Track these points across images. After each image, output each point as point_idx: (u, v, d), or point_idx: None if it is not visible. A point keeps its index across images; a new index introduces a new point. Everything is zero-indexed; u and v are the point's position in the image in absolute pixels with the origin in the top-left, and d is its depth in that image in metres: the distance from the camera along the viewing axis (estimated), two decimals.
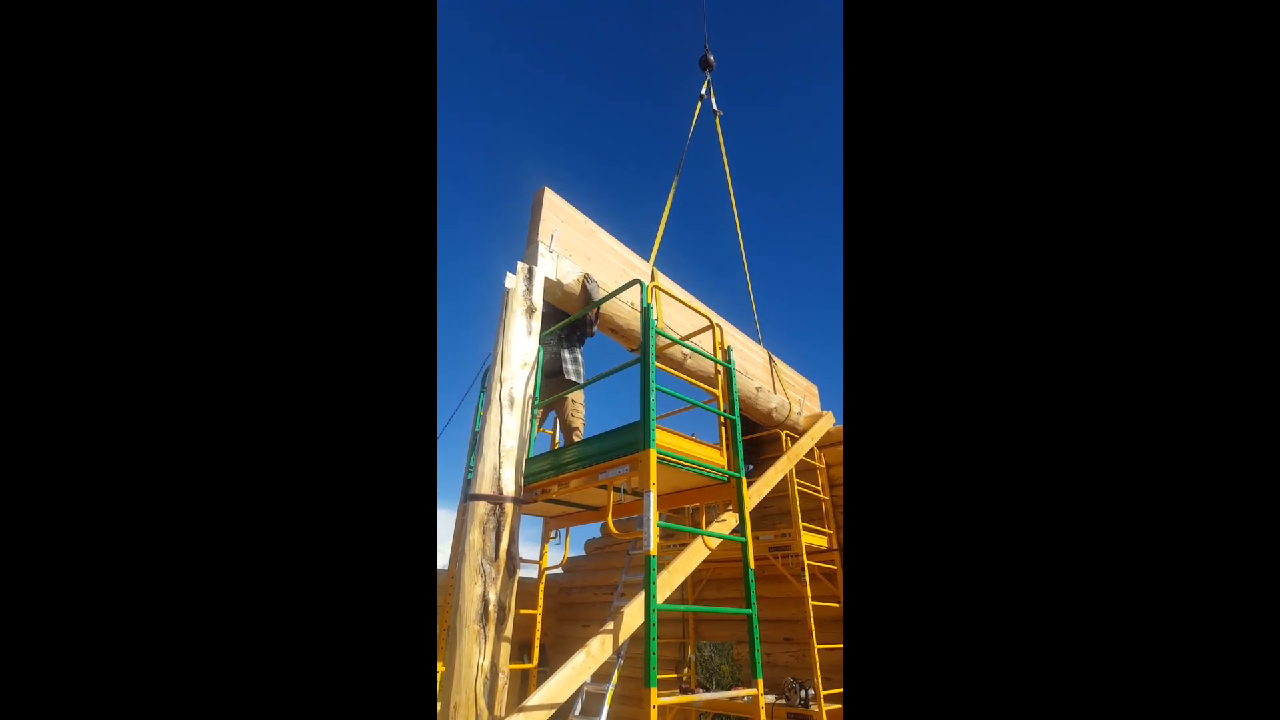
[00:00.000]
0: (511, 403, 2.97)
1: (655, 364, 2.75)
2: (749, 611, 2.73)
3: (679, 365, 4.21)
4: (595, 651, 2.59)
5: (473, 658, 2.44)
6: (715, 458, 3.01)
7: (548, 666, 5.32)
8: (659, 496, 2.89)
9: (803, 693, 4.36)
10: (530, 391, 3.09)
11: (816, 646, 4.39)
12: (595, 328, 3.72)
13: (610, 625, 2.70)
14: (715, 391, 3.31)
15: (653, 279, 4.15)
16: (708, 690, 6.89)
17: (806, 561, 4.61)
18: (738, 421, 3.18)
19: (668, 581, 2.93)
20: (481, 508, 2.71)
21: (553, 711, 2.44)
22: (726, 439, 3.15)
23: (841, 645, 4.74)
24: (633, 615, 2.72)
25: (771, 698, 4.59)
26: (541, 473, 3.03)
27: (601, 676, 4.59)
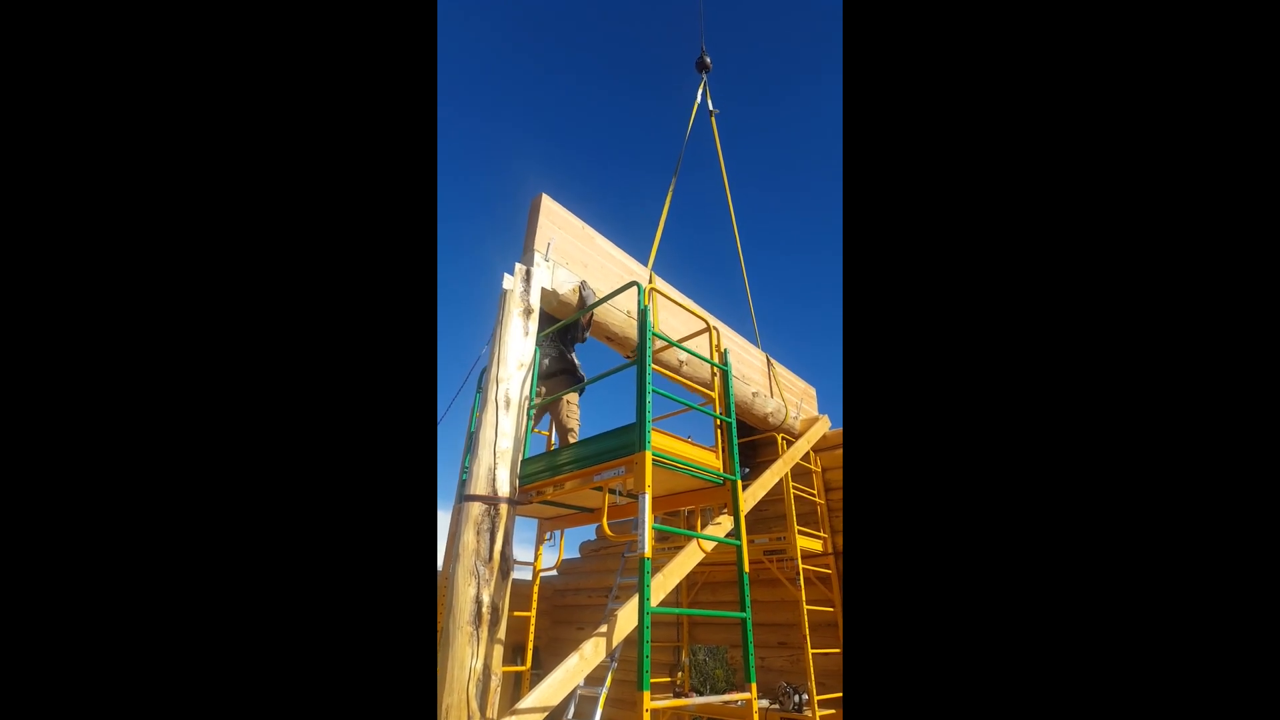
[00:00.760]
0: (508, 404, 2.96)
1: (652, 366, 2.75)
2: (744, 615, 2.73)
3: (675, 371, 4.21)
4: (589, 654, 2.57)
5: (465, 659, 2.43)
6: (711, 460, 3.00)
7: (541, 669, 5.30)
8: (654, 499, 2.89)
9: (796, 698, 4.35)
10: (526, 393, 3.09)
11: (811, 651, 4.38)
12: (587, 333, 3.71)
13: (604, 628, 2.69)
14: (711, 395, 3.31)
15: (650, 283, 4.14)
16: (701, 694, 6.87)
17: (801, 565, 4.60)
18: (733, 424, 3.17)
19: (662, 584, 2.92)
20: (476, 509, 2.70)
21: (545, 714, 2.43)
22: (722, 442, 3.15)
23: (837, 650, 4.73)
24: (627, 618, 2.71)
25: (765, 702, 4.58)
26: (537, 474, 3.02)
27: (595, 679, 4.57)
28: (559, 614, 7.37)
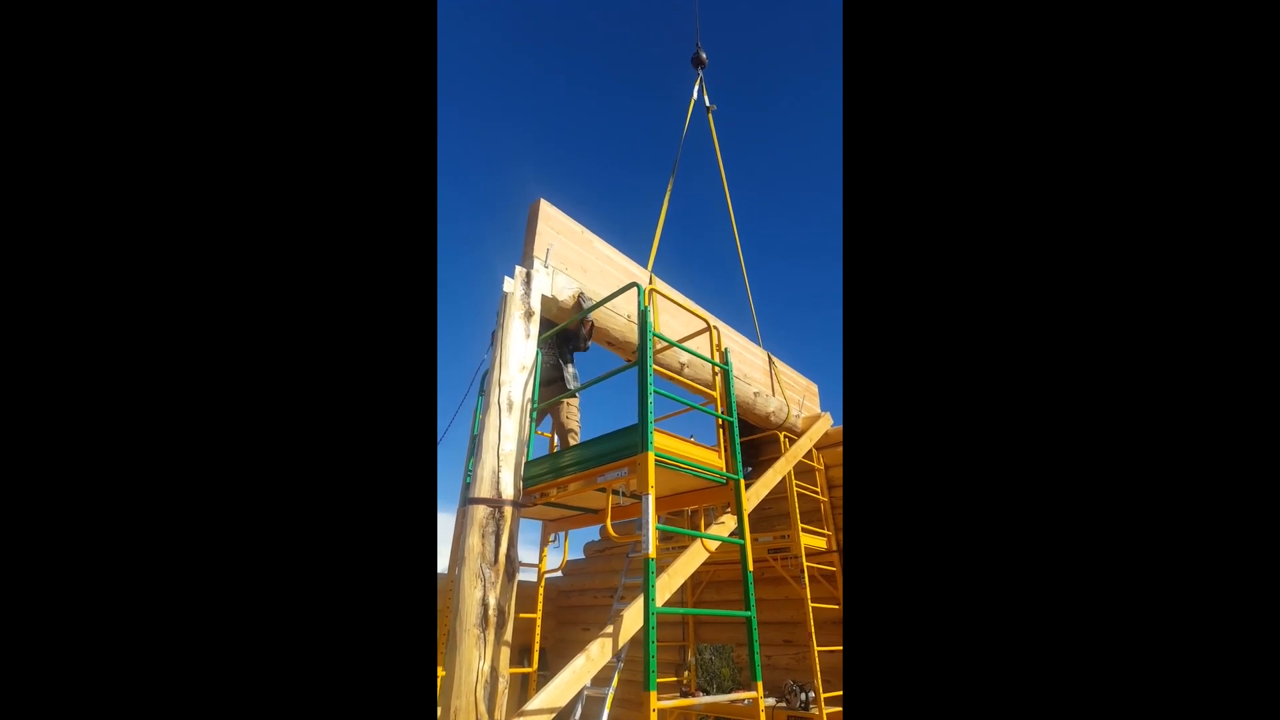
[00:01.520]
0: (510, 406, 2.97)
1: (653, 367, 2.76)
2: (748, 614, 2.74)
3: (677, 372, 4.22)
4: (595, 655, 2.59)
5: (473, 662, 2.44)
6: (713, 460, 3.01)
7: (548, 670, 5.32)
8: (658, 499, 2.90)
9: (803, 695, 4.36)
10: (529, 395, 3.10)
11: (816, 649, 4.39)
12: (588, 342, 3.73)
13: (610, 628, 2.70)
14: (713, 394, 3.32)
15: (650, 284, 4.15)
16: (708, 693, 6.88)
17: (805, 563, 4.61)
18: (735, 423, 3.18)
19: (667, 584, 2.93)
20: (481, 511, 2.71)
21: (553, 716, 2.44)
22: (724, 441, 3.16)
23: (841, 648, 4.74)
24: (632, 618, 2.72)
25: (772, 700, 4.59)
26: (540, 476, 3.03)
27: (601, 680, 4.58)
28: (564, 615, 7.38)
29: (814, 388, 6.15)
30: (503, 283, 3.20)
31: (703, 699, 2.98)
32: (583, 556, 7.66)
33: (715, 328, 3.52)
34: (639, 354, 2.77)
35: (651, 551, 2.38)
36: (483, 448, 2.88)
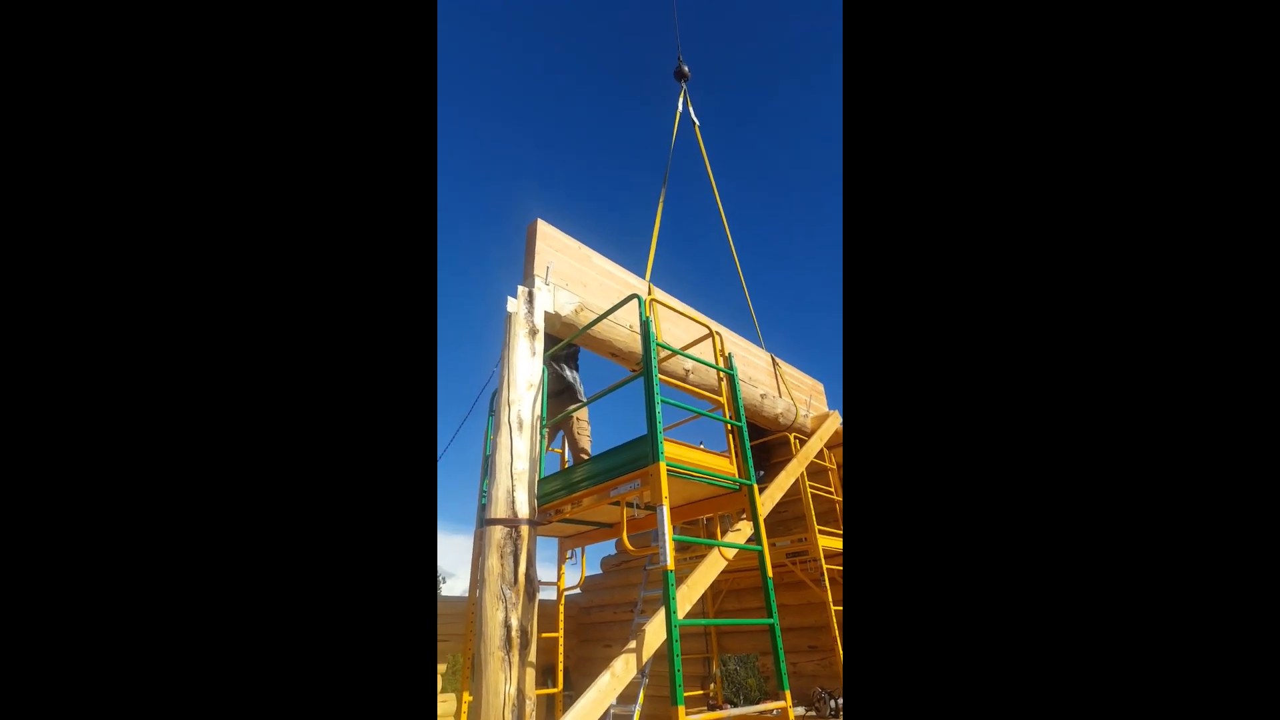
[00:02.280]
0: (520, 425, 2.97)
1: (658, 377, 2.76)
2: (771, 621, 2.71)
3: (682, 379, 4.22)
4: (620, 672, 2.56)
5: (499, 685, 2.42)
6: (725, 466, 3.00)
7: (572, 690, 5.26)
8: (672, 509, 2.88)
9: (832, 703, 4.30)
10: (538, 412, 3.10)
11: (841, 653, 4.34)
12: (577, 359, 3.78)
13: (633, 644, 2.68)
14: (720, 400, 3.32)
15: (649, 294, 4.17)
16: (735, 705, 6.79)
17: (825, 566, 4.57)
18: (744, 427, 3.17)
19: (687, 595, 2.91)
20: (498, 532, 2.70)
21: None
22: (735, 446, 3.15)
23: None
24: (655, 633, 2.70)
25: (801, 709, 4.52)
26: (554, 493, 3.02)
27: (627, 698, 4.53)
28: (585, 632, 7.31)
29: (820, 387, 6.14)
30: (506, 301, 3.21)
31: (731, 711, 2.94)
32: (600, 572, 7.61)
33: (717, 333, 3.53)
34: (644, 364, 2.78)
35: (670, 563, 2.37)
36: (496, 468, 2.88)
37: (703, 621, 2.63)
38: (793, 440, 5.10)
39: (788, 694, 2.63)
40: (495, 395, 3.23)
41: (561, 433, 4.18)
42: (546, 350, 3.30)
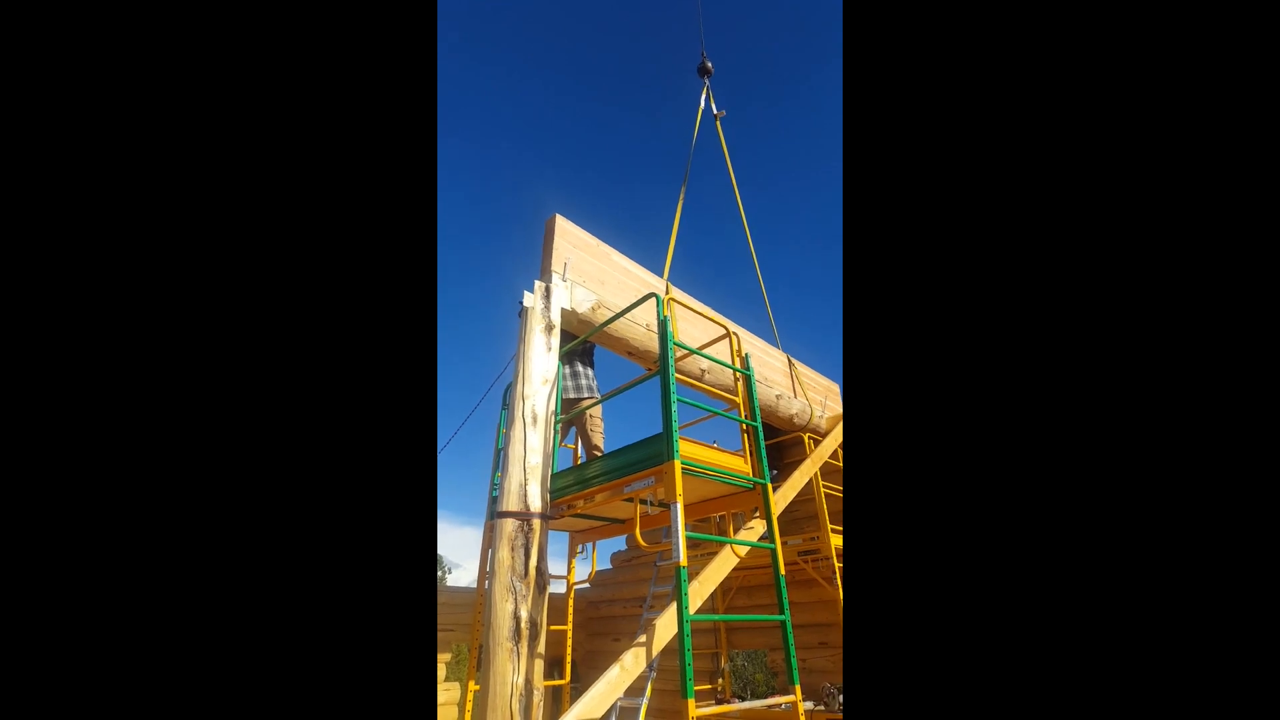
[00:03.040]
0: (534, 419, 2.99)
1: (675, 376, 2.76)
2: (783, 618, 2.71)
3: (698, 379, 4.21)
4: (629, 665, 2.58)
5: (507, 676, 2.45)
6: (740, 465, 3.00)
7: (580, 683, 5.31)
8: (687, 507, 2.89)
9: (841, 698, 4.30)
10: (552, 408, 3.12)
11: None
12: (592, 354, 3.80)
13: (642, 638, 2.70)
14: (735, 400, 3.31)
15: (667, 293, 4.16)
16: (744, 699, 6.81)
17: (837, 564, 4.56)
18: (759, 428, 3.17)
19: (698, 592, 2.92)
20: (510, 524, 2.73)
21: None
22: (750, 446, 3.14)
23: None
24: (665, 627, 2.71)
25: (810, 704, 4.53)
26: (567, 488, 3.05)
27: (635, 691, 4.56)
28: (594, 626, 7.37)
29: (835, 387, 6.10)
30: (522, 298, 3.23)
31: (740, 705, 2.96)
32: (609, 567, 7.66)
33: (734, 334, 3.52)
34: (660, 363, 2.78)
35: (683, 560, 2.38)
36: (509, 461, 2.91)
37: (715, 617, 2.64)
38: (807, 440, 5.08)
39: (798, 688, 2.63)
40: (509, 389, 3.26)
41: (574, 429, 4.20)
42: (562, 346, 3.32)
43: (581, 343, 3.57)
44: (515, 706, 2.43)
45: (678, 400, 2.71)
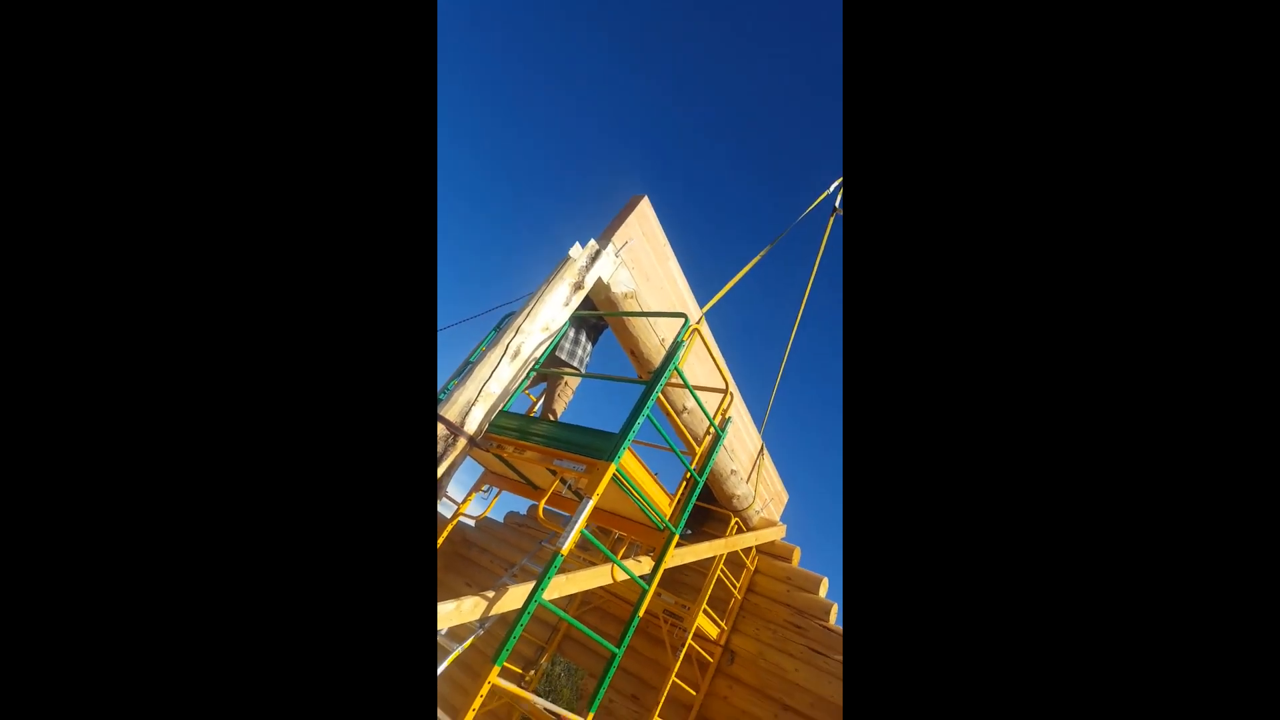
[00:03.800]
0: (515, 354, 3.05)
1: (658, 395, 2.82)
2: (616, 651, 2.76)
3: (677, 414, 4.26)
4: (465, 609, 2.63)
5: None
6: (663, 504, 3.05)
7: None
8: (597, 509, 2.94)
9: None
10: (538, 355, 3.17)
11: (656, 717, 4.37)
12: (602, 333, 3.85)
13: (490, 594, 2.74)
14: (697, 448, 3.37)
15: (697, 323, 4.23)
16: (542, 700, 6.81)
17: (690, 641, 4.59)
18: (700, 485, 3.22)
19: (562, 586, 2.97)
20: (439, 429, 2.78)
21: None
22: (682, 494, 3.20)
23: None
24: (514, 596, 2.76)
25: None
26: (506, 429, 3.10)
27: (455, 636, 4.59)
28: (456, 563, 7.40)
29: (784, 497, 6.14)
30: (570, 248, 3.29)
31: (538, 701, 2.99)
32: (501, 522, 7.69)
33: (731, 394, 3.57)
34: (652, 377, 2.84)
35: (565, 549, 2.43)
36: (470, 377, 2.96)
37: (558, 611, 2.68)
38: (733, 524, 5.13)
39: (590, 716, 2.67)
40: (508, 316, 3.31)
41: (545, 385, 4.25)
42: (579, 310, 3.37)
43: (599, 316, 3.63)
44: None
45: (648, 416, 2.77)
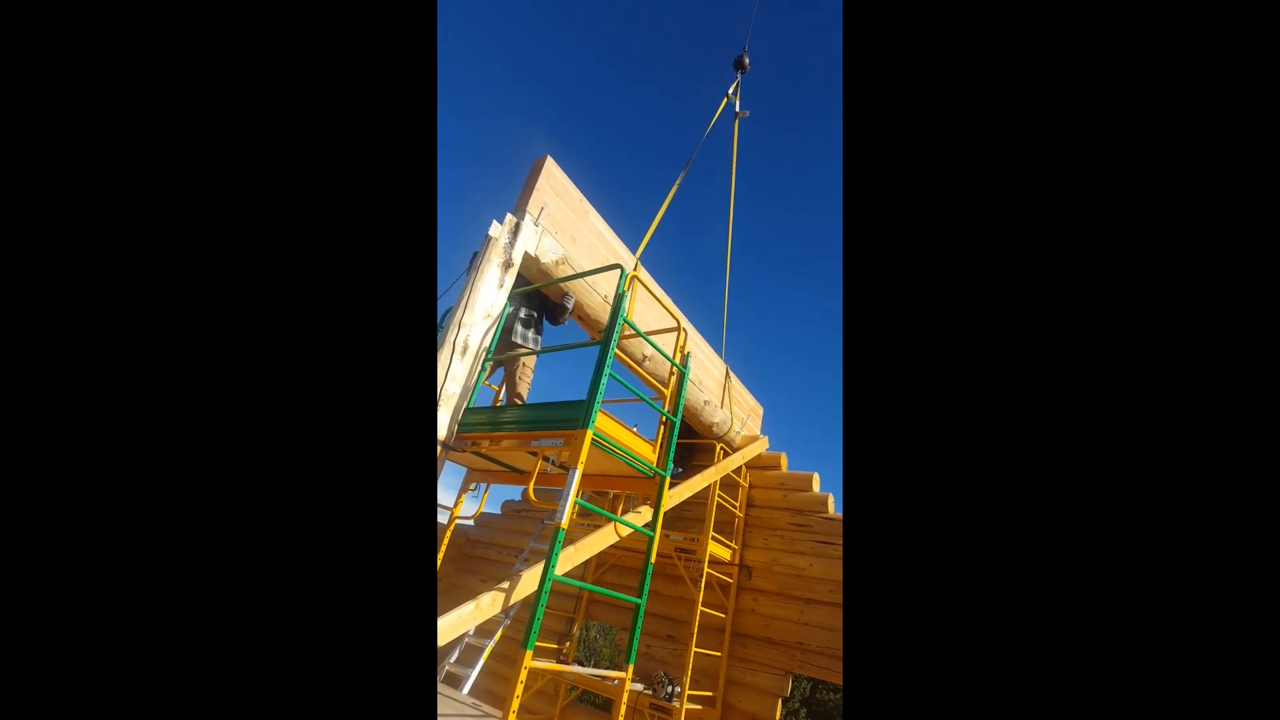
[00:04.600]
0: (464, 350, 2.98)
1: (615, 352, 2.82)
2: (638, 601, 2.86)
3: (638, 363, 4.29)
4: (485, 605, 2.66)
5: None
6: (647, 453, 3.11)
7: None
8: (585, 477, 2.98)
9: (669, 688, 4.56)
10: (487, 344, 3.11)
11: (694, 649, 4.60)
12: (569, 316, 3.76)
13: (505, 585, 2.78)
14: (665, 391, 3.41)
15: (634, 270, 4.20)
16: (583, 666, 7.08)
17: (706, 569, 4.80)
18: (677, 424, 3.28)
19: (572, 557, 3.03)
20: None
21: None
22: (663, 437, 3.26)
23: (718, 653, 4.97)
24: (529, 580, 2.80)
25: (640, 686, 4.78)
26: (477, 425, 3.07)
27: (485, 632, 4.67)
28: (466, 563, 7.44)
29: (759, 410, 6.34)
30: (490, 226, 3.18)
31: (575, 669, 3.10)
32: (499, 513, 7.72)
33: (684, 330, 3.60)
34: (604, 335, 2.83)
35: (564, 522, 2.46)
36: None
37: (574, 582, 2.74)
38: (718, 450, 5.28)
39: (630, 667, 2.79)
40: (448, 313, 3.22)
41: (502, 370, 4.19)
42: (515, 288, 3.30)
43: (537, 289, 3.56)
44: None
45: (610, 376, 2.77)
